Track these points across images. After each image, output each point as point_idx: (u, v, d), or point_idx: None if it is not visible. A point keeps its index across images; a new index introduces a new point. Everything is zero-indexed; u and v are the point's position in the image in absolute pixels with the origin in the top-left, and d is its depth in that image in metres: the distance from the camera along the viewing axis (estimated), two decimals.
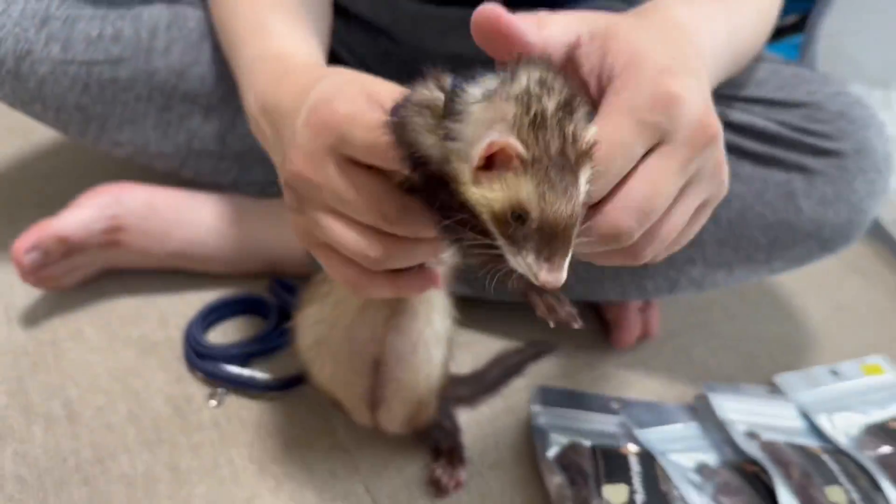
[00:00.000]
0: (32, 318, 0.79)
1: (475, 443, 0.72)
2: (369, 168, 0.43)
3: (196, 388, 0.74)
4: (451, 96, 0.38)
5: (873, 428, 0.73)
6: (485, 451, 0.71)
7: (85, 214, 0.76)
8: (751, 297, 0.95)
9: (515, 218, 0.36)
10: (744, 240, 0.70)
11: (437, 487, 0.66)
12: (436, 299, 0.58)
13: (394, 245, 0.44)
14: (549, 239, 0.37)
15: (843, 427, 0.73)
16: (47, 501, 0.63)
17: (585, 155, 0.37)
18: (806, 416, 0.76)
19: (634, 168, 0.40)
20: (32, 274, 0.75)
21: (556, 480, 0.67)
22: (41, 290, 0.80)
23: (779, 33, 1.57)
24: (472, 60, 0.91)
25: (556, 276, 0.37)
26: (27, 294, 0.81)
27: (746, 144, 0.69)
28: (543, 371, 0.80)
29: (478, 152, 0.36)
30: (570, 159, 0.36)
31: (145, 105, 0.75)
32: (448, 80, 0.40)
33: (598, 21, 0.45)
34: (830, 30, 1.13)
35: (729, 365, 0.85)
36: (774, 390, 0.80)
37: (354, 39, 0.87)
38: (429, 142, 0.39)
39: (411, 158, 0.40)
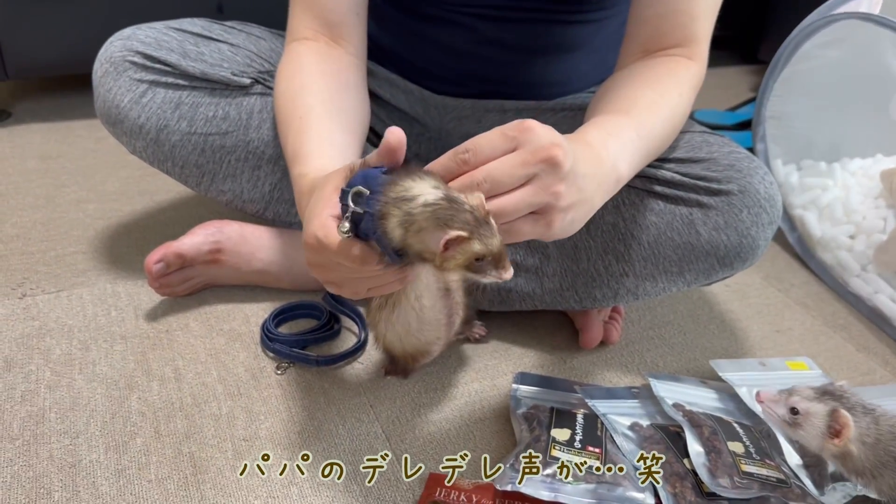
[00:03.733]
0: (153, 314, 1.09)
1: (465, 407, 0.97)
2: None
3: (267, 363, 1.02)
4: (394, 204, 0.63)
5: None
6: (472, 413, 0.96)
7: (196, 239, 1.07)
8: (702, 320, 1.18)
9: (476, 260, 0.63)
10: (661, 257, 0.95)
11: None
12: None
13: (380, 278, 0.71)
14: (498, 259, 0.64)
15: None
16: (159, 429, 0.90)
17: (487, 213, 0.63)
18: (728, 398, 0.97)
19: None
20: (157, 280, 1.06)
21: (521, 427, 0.91)
22: (161, 295, 1.11)
23: (746, 125, 1.85)
24: None
25: (510, 272, 0.65)
26: (150, 298, 1.12)
27: (660, 190, 0.95)
28: (525, 362, 1.05)
29: (440, 246, 0.61)
30: (481, 219, 0.62)
31: (242, 164, 1.07)
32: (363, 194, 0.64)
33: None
34: (778, 112, 1.38)
35: (674, 365, 1.07)
36: (706, 382, 1.03)
37: (395, 125, 1.18)
38: (394, 235, 0.63)
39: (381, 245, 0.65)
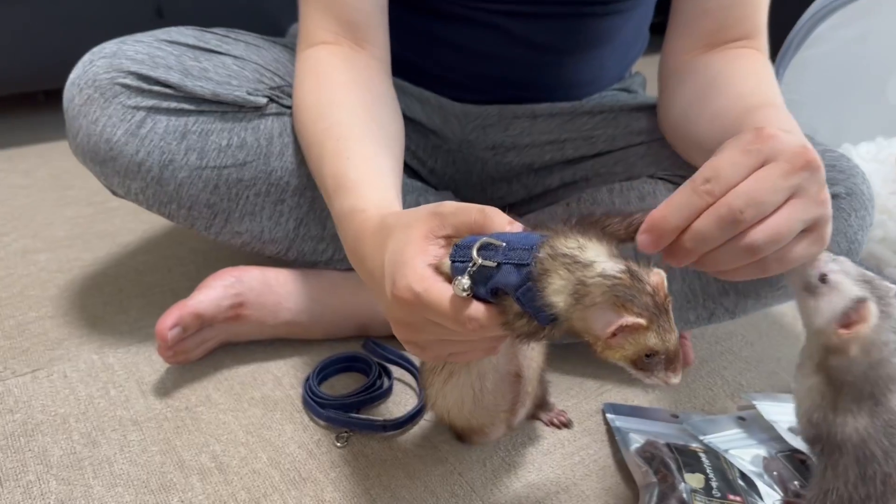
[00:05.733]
0: (163, 388, 0.90)
1: (565, 460, 0.85)
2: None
3: (322, 434, 0.85)
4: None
5: None
6: (574, 465, 0.84)
7: (214, 293, 0.89)
8: (762, 327, 1.11)
9: (647, 356, 0.52)
10: None
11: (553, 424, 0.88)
12: None
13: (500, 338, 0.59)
14: (671, 360, 0.53)
15: None
16: None
17: (667, 298, 0.52)
18: None
19: None
20: (171, 348, 0.87)
21: (641, 469, 0.79)
22: (173, 363, 0.91)
23: None
24: (509, 148, 1.11)
25: (679, 376, 0.53)
26: (153, 368, 0.92)
27: None
28: (605, 398, 0.94)
29: (610, 330, 0.51)
30: (661, 305, 0.52)
31: (263, 199, 0.89)
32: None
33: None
34: (785, 101, 1.34)
35: (756, 382, 1.00)
36: None
37: (409, 138, 1.03)
38: (556, 299, 0.52)
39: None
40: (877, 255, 1.24)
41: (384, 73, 0.89)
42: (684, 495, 0.74)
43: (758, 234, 0.55)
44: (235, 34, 0.96)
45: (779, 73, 1.30)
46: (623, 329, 0.51)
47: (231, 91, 0.85)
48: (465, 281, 0.53)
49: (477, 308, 0.53)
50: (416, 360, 0.95)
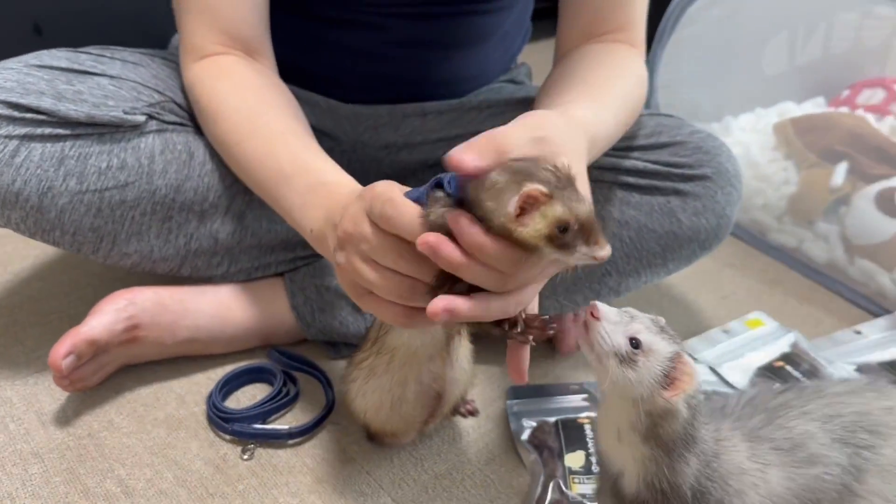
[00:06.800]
0: (64, 418, 0.89)
1: (470, 447, 0.88)
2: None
3: (227, 449, 0.86)
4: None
5: (762, 370, 0.95)
6: (479, 452, 0.87)
7: (106, 318, 0.88)
8: (653, 299, 1.17)
9: (561, 230, 0.52)
10: (644, 251, 0.91)
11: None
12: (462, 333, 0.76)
13: (411, 286, 0.60)
14: (589, 230, 0.53)
15: (741, 373, 0.95)
16: None
17: (570, 173, 0.54)
18: (713, 369, 0.97)
19: None
20: (67, 377, 0.86)
21: (531, 458, 0.83)
22: (70, 391, 0.90)
23: None
24: (401, 147, 1.13)
25: (607, 248, 0.53)
26: (52, 399, 0.91)
27: (633, 181, 0.91)
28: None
29: (514, 204, 0.51)
30: (564, 179, 0.54)
31: (149, 218, 0.88)
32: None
33: (536, 131, 0.61)
34: (666, 81, 1.39)
35: None
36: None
37: None
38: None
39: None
40: (759, 222, 1.32)
41: (281, 82, 0.91)
42: (561, 481, 0.79)
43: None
44: (112, 52, 0.94)
45: (657, 55, 1.36)
46: (527, 201, 0.52)
47: (107, 112, 0.84)
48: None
49: (410, 206, 0.58)
50: (329, 366, 0.96)
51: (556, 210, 0.52)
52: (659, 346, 0.59)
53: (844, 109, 1.40)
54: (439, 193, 0.57)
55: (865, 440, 0.63)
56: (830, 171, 1.25)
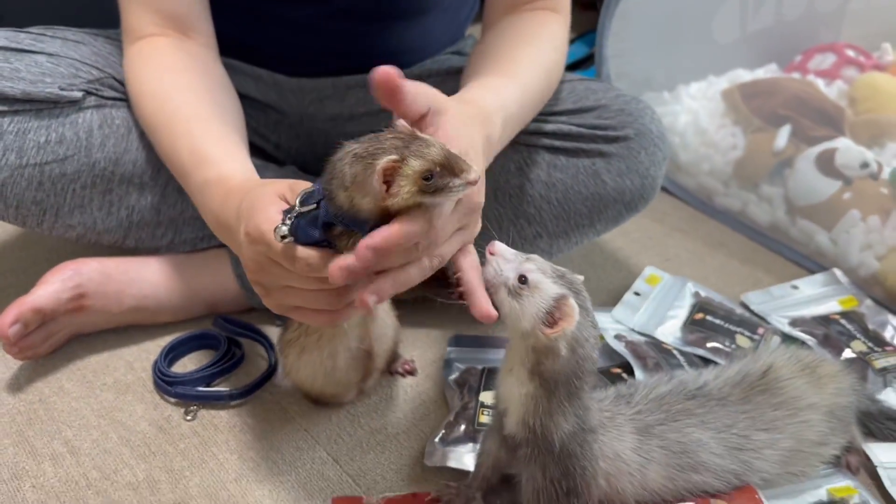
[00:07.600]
0: (17, 384, 0.92)
1: (406, 404, 0.91)
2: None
3: (172, 410, 0.89)
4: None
5: (685, 326, 0.99)
6: (416, 408, 0.90)
7: (52, 287, 0.91)
8: (597, 262, 1.19)
9: (427, 179, 0.56)
10: (572, 212, 0.94)
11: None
12: None
13: (336, 295, 0.64)
14: (451, 167, 0.57)
15: (670, 333, 0.98)
16: None
17: (412, 130, 0.59)
18: (650, 336, 1.00)
19: None
20: (15, 345, 0.89)
21: (453, 396, 0.88)
22: (21, 359, 0.94)
23: (577, 65, 1.89)
24: (347, 118, 1.15)
25: (475, 172, 0.57)
26: (7, 366, 0.94)
27: (558, 144, 0.93)
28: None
29: (377, 181, 0.56)
30: (408, 136, 0.58)
31: (90, 191, 0.91)
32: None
33: (437, 100, 0.65)
34: (617, 51, 1.41)
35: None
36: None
37: (249, 115, 1.07)
38: (342, 199, 0.59)
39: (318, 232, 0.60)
40: (706, 187, 1.34)
41: (215, 58, 0.93)
42: (472, 412, 0.83)
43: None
44: (53, 31, 0.97)
45: (605, 25, 1.37)
46: (387, 174, 0.56)
47: (42, 89, 0.87)
48: (283, 228, 0.60)
49: (305, 251, 0.60)
50: (273, 332, 0.99)
51: (414, 165, 0.56)
52: (545, 285, 0.64)
53: (796, 75, 1.42)
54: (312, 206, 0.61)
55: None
56: (774, 135, 1.27)
